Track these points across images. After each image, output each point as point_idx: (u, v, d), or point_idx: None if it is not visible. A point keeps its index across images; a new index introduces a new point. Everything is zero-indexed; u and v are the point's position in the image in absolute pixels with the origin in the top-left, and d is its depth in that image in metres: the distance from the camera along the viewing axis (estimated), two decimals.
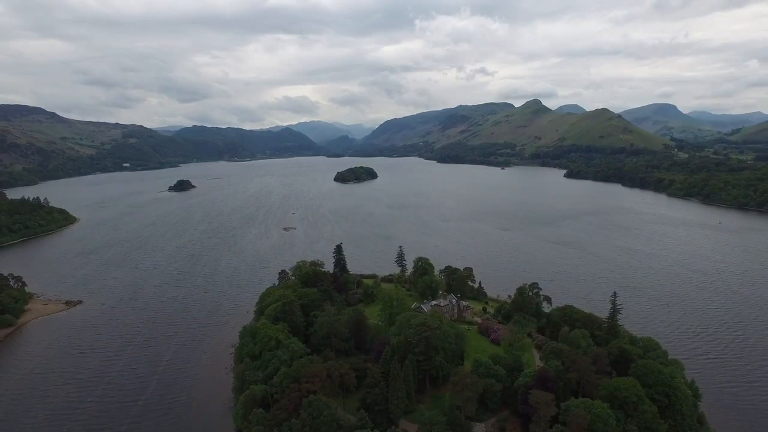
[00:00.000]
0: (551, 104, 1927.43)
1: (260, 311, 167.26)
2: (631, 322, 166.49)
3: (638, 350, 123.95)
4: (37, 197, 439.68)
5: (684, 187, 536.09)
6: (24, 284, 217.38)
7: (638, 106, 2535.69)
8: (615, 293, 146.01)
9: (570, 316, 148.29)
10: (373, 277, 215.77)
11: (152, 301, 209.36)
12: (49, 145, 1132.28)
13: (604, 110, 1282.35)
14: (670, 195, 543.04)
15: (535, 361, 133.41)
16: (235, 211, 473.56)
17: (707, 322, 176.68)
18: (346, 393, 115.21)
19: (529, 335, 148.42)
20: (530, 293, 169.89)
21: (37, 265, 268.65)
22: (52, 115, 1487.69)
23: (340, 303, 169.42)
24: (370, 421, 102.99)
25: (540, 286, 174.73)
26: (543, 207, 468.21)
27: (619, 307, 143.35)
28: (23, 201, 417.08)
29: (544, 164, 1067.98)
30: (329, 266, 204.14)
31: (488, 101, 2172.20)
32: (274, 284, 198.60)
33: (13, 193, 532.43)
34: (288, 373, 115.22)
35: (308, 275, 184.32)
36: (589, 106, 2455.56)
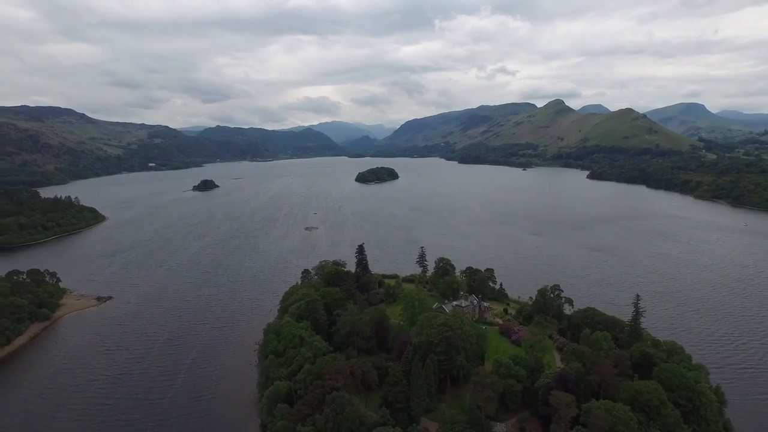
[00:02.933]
0: (574, 104, 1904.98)
1: (284, 309, 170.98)
2: (656, 327, 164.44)
3: (661, 354, 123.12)
4: (69, 196, 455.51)
5: (712, 189, 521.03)
6: (58, 280, 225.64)
7: (664, 105, 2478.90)
8: (638, 296, 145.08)
9: (592, 319, 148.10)
10: (395, 277, 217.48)
11: (177, 300, 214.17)
12: (79, 145, 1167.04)
13: (629, 110, 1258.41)
14: (697, 197, 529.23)
15: (555, 362, 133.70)
16: (257, 212, 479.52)
17: (740, 330, 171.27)
18: (368, 390, 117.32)
19: (550, 337, 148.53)
20: (551, 295, 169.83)
21: (69, 262, 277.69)
22: (82, 116, 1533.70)
23: (362, 302, 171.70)
24: (391, 419, 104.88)
25: (562, 288, 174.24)
26: (570, 210, 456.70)
27: (641, 310, 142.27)
28: (56, 200, 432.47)
29: (566, 165, 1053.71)
30: (351, 266, 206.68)
31: (510, 101, 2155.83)
32: (297, 283, 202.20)
33: (46, 192, 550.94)
34: (311, 370, 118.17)
35: (331, 275, 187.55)
36: (613, 106, 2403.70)
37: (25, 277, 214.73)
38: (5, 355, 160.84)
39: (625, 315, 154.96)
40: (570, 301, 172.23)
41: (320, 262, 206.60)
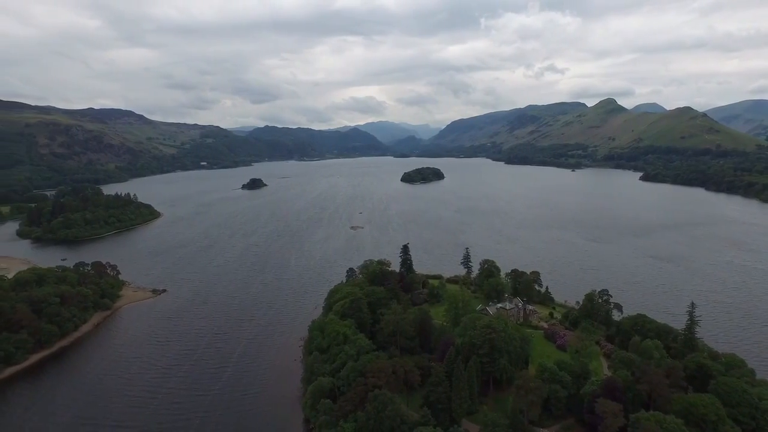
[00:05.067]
0: (627, 103, 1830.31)
1: (328, 307, 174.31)
2: (715, 338, 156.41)
3: (719, 367, 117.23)
4: (128, 193, 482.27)
5: None
6: (118, 272, 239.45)
7: (727, 103, 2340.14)
8: (692, 303, 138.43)
9: (642, 326, 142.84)
10: (439, 277, 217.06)
11: (225, 296, 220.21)
12: (137, 145, 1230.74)
13: (687, 109, 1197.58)
14: (763, 200, 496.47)
15: (602, 369, 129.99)
16: (303, 211, 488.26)
17: None
18: (409, 390, 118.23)
19: (598, 343, 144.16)
20: (599, 300, 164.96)
21: (127, 256, 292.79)
22: (141, 117, 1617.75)
23: (406, 302, 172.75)
24: (432, 419, 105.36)
25: (610, 293, 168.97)
26: (625, 214, 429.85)
27: (697, 319, 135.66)
28: (117, 197, 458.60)
29: (618, 166, 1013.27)
30: (396, 266, 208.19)
31: (558, 101, 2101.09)
32: (342, 282, 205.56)
33: (108, 189, 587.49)
34: (354, 368, 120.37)
35: (375, 274, 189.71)
36: (670, 105, 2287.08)
37: (89, 268, 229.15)
38: (73, 341, 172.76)
39: (679, 324, 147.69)
40: (619, 307, 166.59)
41: (365, 261, 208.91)
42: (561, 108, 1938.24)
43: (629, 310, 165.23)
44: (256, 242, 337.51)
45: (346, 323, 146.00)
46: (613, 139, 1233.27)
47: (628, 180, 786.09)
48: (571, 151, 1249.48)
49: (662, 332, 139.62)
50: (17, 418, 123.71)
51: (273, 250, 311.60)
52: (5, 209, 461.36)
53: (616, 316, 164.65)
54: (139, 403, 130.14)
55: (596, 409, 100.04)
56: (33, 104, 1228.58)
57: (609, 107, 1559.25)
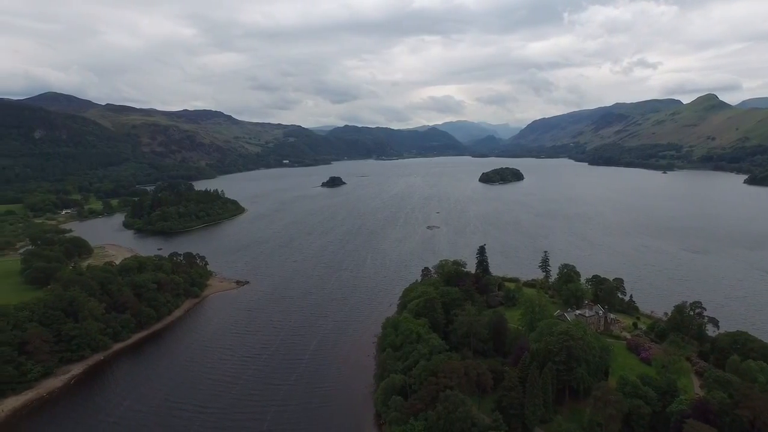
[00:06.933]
0: (731, 98, 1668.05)
1: (403, 305, 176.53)
2: None
3: None
4: (216, 189, 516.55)
5: None
6: (206, 263, 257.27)
7: None
8: None
9: (743, 344, 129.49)
10: (515, 281, 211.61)
11: (302, 292, 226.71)
12: (225, 143, 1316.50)
13: None
14: None
15: (693, 388, 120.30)
16: (380, 210, 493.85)
17: None
18: (482, 393, 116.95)
19: (688, 359, 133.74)
20: (691, 312, 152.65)
21: (214, 248, 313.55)
22: (229, 117, 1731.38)
23: (481, 304, 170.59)
24: (504, 424, 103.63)
25: (705, 306, 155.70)
26: (730, 221, 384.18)
27: None
28: (206, 192, 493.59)
29: (717, 168, 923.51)
30: (471, 267, 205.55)
31: (649, 98, 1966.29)
32: (417, 281, 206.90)
33: (199, 185, 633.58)
34: (427, 367, 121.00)
35: (450, 274, 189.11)
36: None
37: (182, 258, 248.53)
38: (166, 324, 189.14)
39: None
40: (715, 322, 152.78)
41: (440, 261, 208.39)
42: (652, 105, 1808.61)
43: (727, 327, 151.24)
44: (332, 240, 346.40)
45: (420, 322, 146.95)
46: (713, 139, 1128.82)
47: (731, 183, 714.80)
48: (663, 151, 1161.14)
49: None
50: (117, 396, 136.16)
51: (349, 248, 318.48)
52: (114, 202, 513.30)
53: (711, 331, 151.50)
54: (220, 390, 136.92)
55: (684, 430, 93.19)
56: (138, 107, 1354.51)
57: (709, 103, 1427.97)
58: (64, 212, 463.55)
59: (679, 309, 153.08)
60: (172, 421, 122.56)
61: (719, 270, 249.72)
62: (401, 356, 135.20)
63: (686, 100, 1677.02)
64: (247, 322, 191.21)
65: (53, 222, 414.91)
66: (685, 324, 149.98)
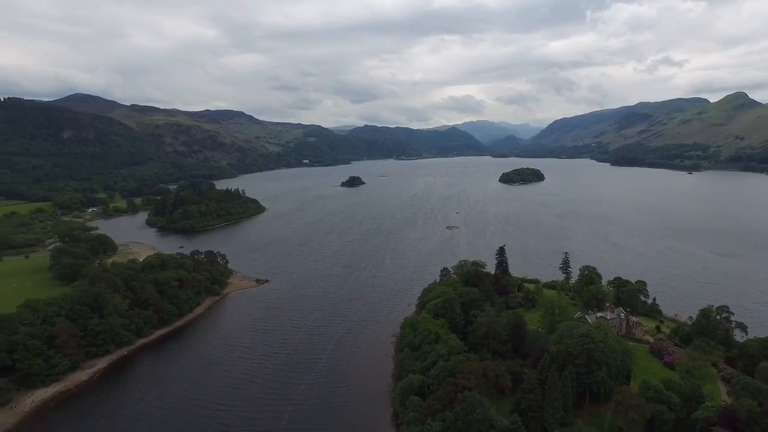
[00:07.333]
0: (763, 97, 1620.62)
1: (421, 305, 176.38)
2: None
3: None
4: (237, 189, 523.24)
5: None
6: (227, 261, 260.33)
7: None
8: None
9: None
10: (535, 282, 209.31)
11: (320, 291, 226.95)
12: (246, 143, 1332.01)
13: None
14: None
15: (720, 395, 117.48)
16: (399, 210, 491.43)
17: None
18: (500, 394, 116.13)
19: (715, 365, 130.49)
20: (718, 317, 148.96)
21: (235, 247, 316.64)
22: (250, 117, 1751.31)
23: (500, 305, 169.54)
24: (523, 427, 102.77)
25: (732, 311, 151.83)
26: (764, 225, 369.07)
27: None
28: (227, 191, 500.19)
29: (746, 169, 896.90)
30: (491, 268, 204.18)
31: (674, 97, 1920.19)
32: (436, 281, 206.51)
33: (220, 185, 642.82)
34: (445, 367, 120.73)
35: (470, 275, 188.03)
36: None
37: (203, 256, 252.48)
38: (188, 321, 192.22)
39: None
40: (743, 327, 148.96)
41: (459, 261, 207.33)
42: (677, 104, 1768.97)
43: (757, 332, 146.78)
44: (351, 240, 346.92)
45: (439, 322, 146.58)
46: (742, 138, 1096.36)
47: (762, 184, 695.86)
48: (688, 151, 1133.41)
49: None
50: (140, 391, 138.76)
51: (368, 248, 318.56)
52: (138, 201, 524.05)
53: (739, 336, 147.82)
54: (238, 387, 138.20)
55: None
56: (161, 107, 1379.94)
57: (738, 102, 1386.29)
58: (90, 210, 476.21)
59: (705, 313, 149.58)
60: (193, 419, 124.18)
61: (748, 274, 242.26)
62: (419, 356, 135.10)
63: (713, 98, 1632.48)
64: (266, 320, 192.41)
65: (80, 220, 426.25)
66: (711, 328, 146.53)
